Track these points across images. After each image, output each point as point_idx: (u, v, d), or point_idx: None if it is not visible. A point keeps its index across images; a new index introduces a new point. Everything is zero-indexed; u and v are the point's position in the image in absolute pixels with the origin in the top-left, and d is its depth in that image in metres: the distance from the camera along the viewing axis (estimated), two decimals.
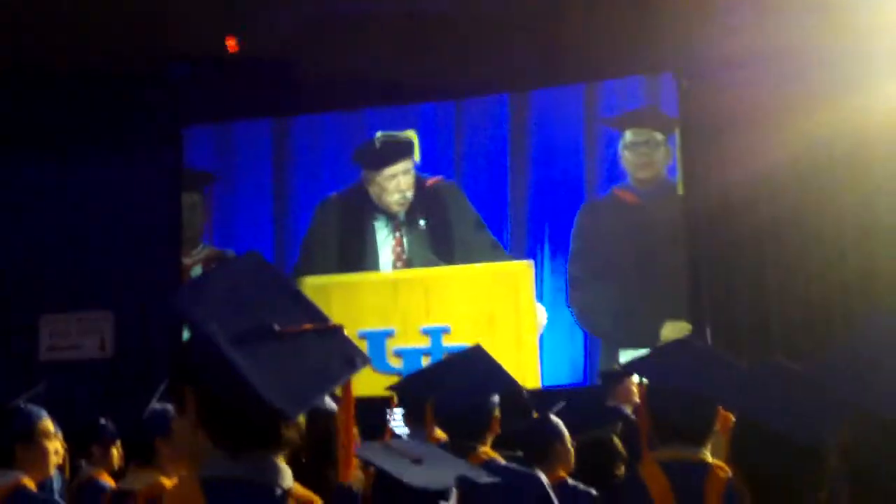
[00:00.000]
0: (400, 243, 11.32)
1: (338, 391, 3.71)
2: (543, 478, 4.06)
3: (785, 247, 10.34)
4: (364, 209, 11.44)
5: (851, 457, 2.20)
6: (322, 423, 3.58)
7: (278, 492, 2.11)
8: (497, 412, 4.16)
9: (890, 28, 9.57)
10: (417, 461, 2.71)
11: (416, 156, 11.41)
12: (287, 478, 2.14)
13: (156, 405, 4.61)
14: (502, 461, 4.07)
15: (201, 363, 2.12)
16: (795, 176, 10.23)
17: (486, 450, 4.09)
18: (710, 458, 3.54)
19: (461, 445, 3.99)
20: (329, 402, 3.69)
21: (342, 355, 2.17)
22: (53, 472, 4.52)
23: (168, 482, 4.11)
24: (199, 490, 2.10)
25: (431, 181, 11.33)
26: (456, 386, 4.20)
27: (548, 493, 3.97)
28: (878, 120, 9.81)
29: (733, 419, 2.95)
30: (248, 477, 2.11)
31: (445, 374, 4.48)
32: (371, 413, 5.56)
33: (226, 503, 2.09)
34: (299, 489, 2.14)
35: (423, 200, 11.32)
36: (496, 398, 4.17)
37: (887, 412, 2.08)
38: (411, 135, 11.42)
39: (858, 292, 9.96)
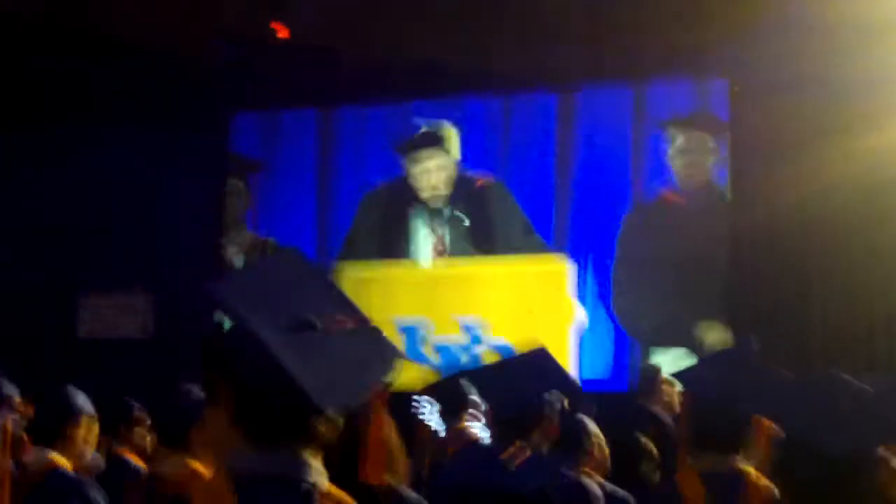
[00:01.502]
0: (442, 241, 11.29)
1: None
2: (593, 486, 4.03)
3: (830, 265, 10.23)
4: (406, 201, 11.43)
5: None
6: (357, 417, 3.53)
7: (305, 487, 2.08)
8: (550, 411, 4.14)
9: None
10: None
11: (455, 152, 11.34)
12: (316, 474, 2.11)
13: (193, 390, 4.61)
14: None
15: (238, 355, 2.10)
16: (844, 200, 10.10)
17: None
18: (746, 467, 3.53)
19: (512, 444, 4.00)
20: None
21: (380, 354, 2.15)
22: (91, 453, 4.54)
23: (199, 467, 4.09)
24: (225, 483, 2.09)
25: (481, 181, 11.28)
26: (515, 389, 4.15)
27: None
28: None
29: (774, 428, 2.93)
30: (276, 471, 2.09)
31: (500, 375, 4.44)
32: (407, 405, 5.57)
33: (253, 496, 2.07)
34: (330, 487, 2.12)
35: (469, 199, 11.27)
36: (555, 400, 4.15)
37: None
38: (449, 130, 11.36)
39: None
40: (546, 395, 4.17)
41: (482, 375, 4.83)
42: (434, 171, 11.36)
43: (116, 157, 11.89)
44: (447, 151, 11.36)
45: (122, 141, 11.91)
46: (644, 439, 5.15)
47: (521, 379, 4.24)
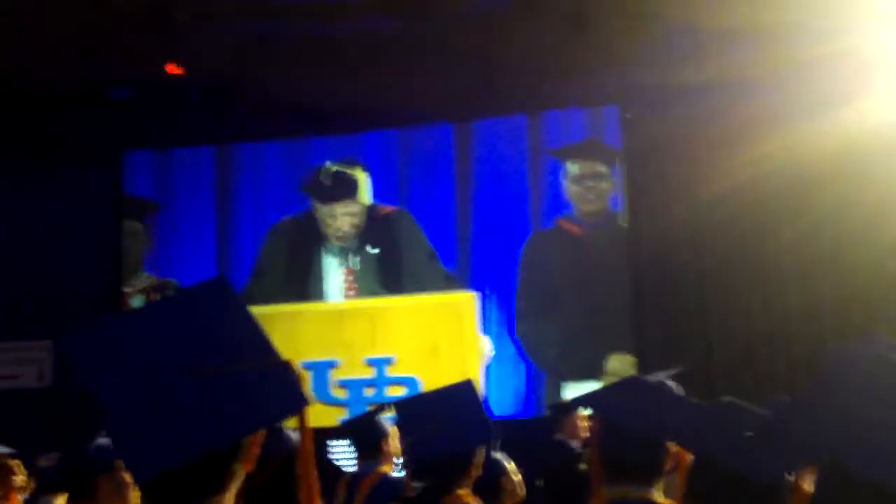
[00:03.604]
0: (350, 271, 11.25)
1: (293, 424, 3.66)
2: None
3: (728, 280, 10.42)
4: (314, 236, 11.38)
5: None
6: (286, 464, 3.47)
7: None
8: (480, 456, 4.12)
9: (832, 59, 9.68)
10: None
11: (364, 195, 11.33)
12: None
13: (98, 439, 4.51)
14: None
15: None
16: (738, 208, 10.33)
17: (465, 492, 4.04)
18: (660, 499, 3.50)
19: (440, 488, 3.95)
20: (294, 439, 3.60)
21: (281, 395, 2.06)
22: None
23: None
24: None
25: (386, 210, 11.28)
26: (441, 426, 4.09)
27: None
28: (820, 151, 9.91)
29: (689, 457, 2.93)
30: None
31: (428, 409, 4.36)
32: (315, 445, 5.47)
33: None
34: None
35: (376, 228, 11.27)
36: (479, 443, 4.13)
37: (855, 465, 2.05)
38: (359, 173, 11.36)
39: (801, 326, 10.06)
40: (477, 444, 4.13)
41: (407, 407, 4.73)
42: (342, 216, 11.34)
43: (9, 201, 11.64)
44: (358, 196, 11.35)
45: (14, 185, 11.67)
46: (583, 467, 5.16)
47: (448, 413, 4.18)
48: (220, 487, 2.04)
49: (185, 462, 1.93)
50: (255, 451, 2.05)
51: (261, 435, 2.05)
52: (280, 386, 2.04)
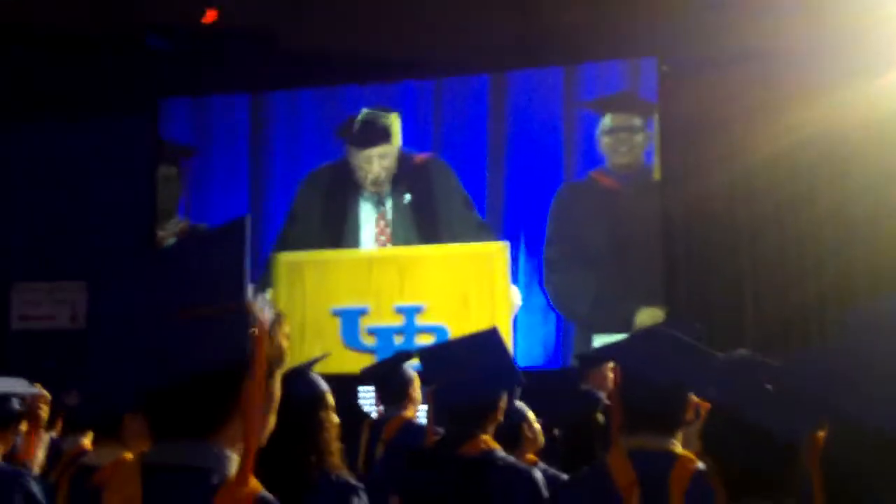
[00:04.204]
0: (384, 219, 11.28)
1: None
2: (538, 475, 4.04)
3: (761, 246, 10.35)
4: (349, 184, 11.40)
5: (825, 462, 2.17)
6: (305, 406, 3.51)
7: (215, 480, 2.05)
8: (503, 402, 4.14)
9: (870, 28, 9.56)
10: None
11: (397, 139, 11.34)
12: (229, 466, 2.08)
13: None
14: (501, 451, 4.05)
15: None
16: (774, 177, 10.24)
17: (487, 438, 4.06)
18: (678, 449, 3.50)
19: (461, 432, 3.98)
20: (320, 384, 3.63)
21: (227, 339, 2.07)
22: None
23: (129, 457, 4.03)
24: (136, 473, 2.09)
25: (420, 158, 11.28)
26: (466, 372, 4.10)
27: (539, 490, 3.97)
28: (857, 122, 9.81)
29: (707, 408, 2.93)
30: (186, 463, 2.07)
31: (454, 356, 4.36)
32: (343, 390, 5.52)
33: (160, 487, 2.06)
34: (243, 479, 2.07)
35: (410, 176, 11.27)
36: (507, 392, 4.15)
37: (870, 420, 2.04)
38: (393, 118, 11.36)
39: (835, 297, 9.96)
40: (501, 389, 4.15)
41: (433, 354, 4.73)
42: (377, 159, 11.35)
43: (46, 146, 11.73)
44: (392, 141, 11.35)
45: (50, 130, 11.75)
46: (599, 417, 5.16)
47: (474, 360, 4.19)
48: (212, 425, 2.08)
49: (127, 402, 2.01)
50: (258, 393, 2.06)
51: (259, 377, 2.06)
52: (225, 332, 2.04)
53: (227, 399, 2.08)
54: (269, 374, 2.15)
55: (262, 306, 2.12)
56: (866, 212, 9.97)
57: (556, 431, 5.37)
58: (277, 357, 2.19)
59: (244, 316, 2.03)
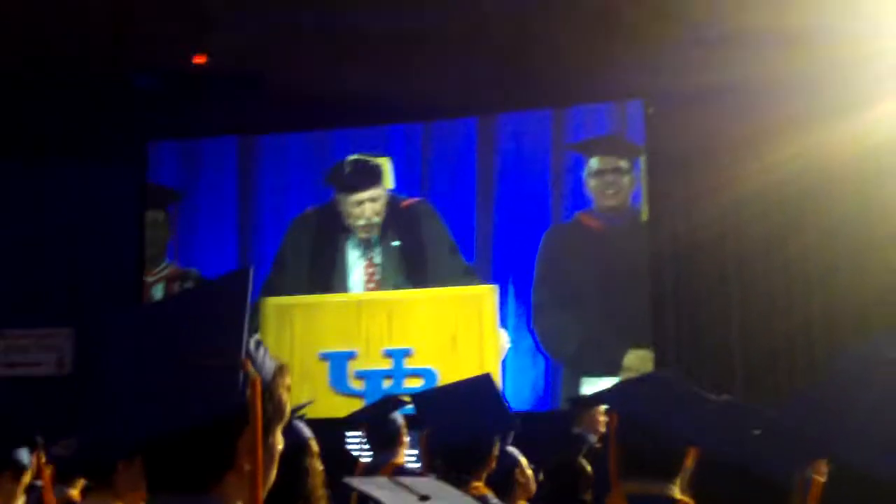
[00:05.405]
0: (372, 264, 11.27)
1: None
2: None
3: (749, 280, 10.40)
4: (336, 228, 11.40)
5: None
6: (289, 454, 3.48)
7: None
8: (496, 449, 4.12)
9: (854, 63, 9.64)
10: (424, 499, 2.51)
11: (389, 182, 11.36)
12: None
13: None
14: (494, 498, 4.03)
15: None
16: (761, 209, 10.31)
17: (480, 485, 4.04)
18: (677, 494, 3.49)
19: (455, 479, 3.96)
20: (303, 431, 3.60)
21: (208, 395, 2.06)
22: None
23: None
24: None
25: (407, 202, 11.30)
26: (460, 418, 4.09)
27: None
28: (842, 154, 9.89)
29: (696, 454, 2.93)
30: None
31: (447, 401, 4.36)
32: (331, 435, 5.49)
33: None
34: None
35: (398, 221, 11.28)
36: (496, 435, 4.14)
37: (859, 465, 2.04)
38: (383, 161, 11.38)
39: (821, 328, 10.03)
40: (495, 435, 4.14)
41: (428, 398, 4.73)
42: (368, 203, 11.36)
43: (33, 190, 11.69)
44: (383, 183, 11.37)
45: (37, 174, 11.72)
46: (581, 461, 5.16)
47: (467, 406, 4.18)
48: (209, 480, 2.04)
49: (123, 450, 1.97)
50: (257, 445, 2.03)
51: (253, 429, 2.03)
52: (221, 384, 2.02)
53: (224, 453, 2.04)
54: (268, 428, 2.11)
55: (264, 358, 2.10)
56: (852, 242, 10.03)
57: (539, 476, 5.37)
58: (277, 410, 2.13)
59: (240, 368, 2.00)
